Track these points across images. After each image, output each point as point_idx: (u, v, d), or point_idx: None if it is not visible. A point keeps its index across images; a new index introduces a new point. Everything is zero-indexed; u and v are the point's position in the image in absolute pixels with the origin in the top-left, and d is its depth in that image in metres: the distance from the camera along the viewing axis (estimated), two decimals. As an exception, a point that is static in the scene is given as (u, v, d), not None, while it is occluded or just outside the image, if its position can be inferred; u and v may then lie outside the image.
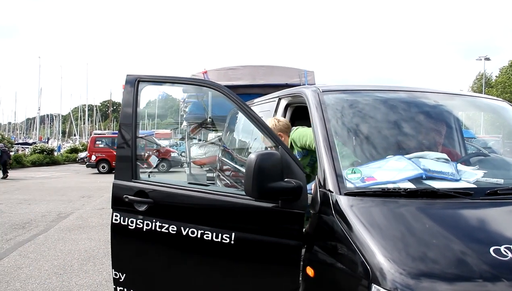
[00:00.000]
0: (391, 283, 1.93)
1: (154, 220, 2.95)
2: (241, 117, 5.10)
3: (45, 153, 39.11)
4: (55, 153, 42.89)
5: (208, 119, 9.89)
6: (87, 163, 28.98)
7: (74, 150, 47.02)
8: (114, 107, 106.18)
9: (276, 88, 5.86)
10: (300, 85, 8.08)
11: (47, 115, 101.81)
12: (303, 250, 2.58)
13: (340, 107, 3.07)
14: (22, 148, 50.13)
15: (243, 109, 2.93)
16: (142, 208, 2.99)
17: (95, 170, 28.03)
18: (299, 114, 3.83)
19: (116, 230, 3.08)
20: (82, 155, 37.82)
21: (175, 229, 2.88)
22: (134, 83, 3.19)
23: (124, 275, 3.12)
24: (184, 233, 2.84)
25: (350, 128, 2.95)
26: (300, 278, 2.58)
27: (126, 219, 3.03)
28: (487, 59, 43.77)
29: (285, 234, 2.63)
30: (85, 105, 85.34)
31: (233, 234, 2.72)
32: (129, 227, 3.01)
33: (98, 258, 6.97)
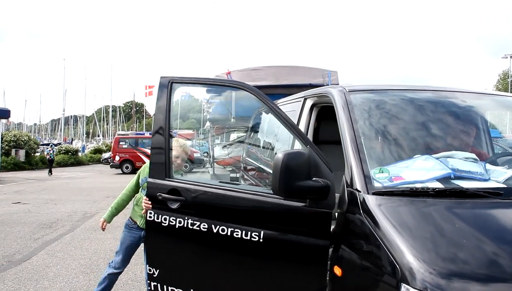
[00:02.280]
0: (420, 283, 1.92)
1: (186, 218, 3.03)
2: (265, 118, 5.13)
3: (69, 153, 39.76)
4: (80, 154, 43.53)
5: (232, 119, 9.93)
6: (111, 164, 29.36)
7: (98, 151, 47.69)
8: (137, 108, 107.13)
9: (299, 89, 5.85)
10: (323, 85, 8.06)
11: (71, 116, 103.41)
12: (331, 250, 2.58)
13: (367, 107, 3.07)
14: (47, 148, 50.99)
15: (274, 110, 2.97)
16: (175, 206, 3.09)
17: (119, 170, 28.38)
18: (324, 114, 3.83)
19: (151, 227, 3.21)
20: (106, 155, 38.28)
21: (206, 226, 2.95)
22: (167, 85, 3.28)
23: (158, 270, 3.22)
24: (215, 231, 2.90)
25: (377, 128, 2.94)
26: (328, 278, 2.59)
27: (160, 216, 3.13)
28: (513, 57, 42.95)
29: (313, 233, 2.65)
30: (108, 106, 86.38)
31: (262, 232, 2.76)
32: (163, 224, 3.11)
33: (124, 257, 7.04)
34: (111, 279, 4.49)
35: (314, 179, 2.57)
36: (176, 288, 3.16)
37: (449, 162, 2.63)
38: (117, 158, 28.43)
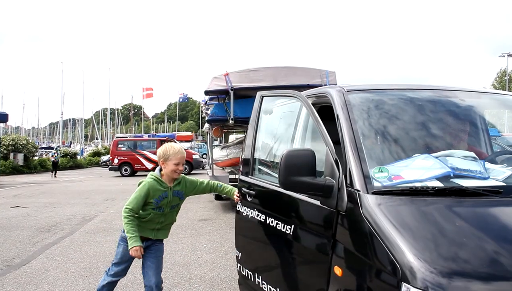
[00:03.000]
0: (421, 282, 1.92)
1: (254, 209, 3.62)
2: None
3: (68, 156, 39.74)
4: (78, 157, 43.51)
5: (230, 121, 9.94)
6: (110, 166, 29.36)
7: (97, 153, 47.68)
8: (135, 110, 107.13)
9: (298, 89, 5.84)
10: (322, 85, 8.07)
11: (70, 119, 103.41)
12: (331, 249, 2.58)
13: (366, 107, 3.06)
14: (46, 152, 50.99)
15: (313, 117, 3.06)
16: (250, 199, 3.71)
17: (118, 173, 28.34)
18: (323, 114, 3.82)
19: (238, 215, 3.95)
20: (105, 158, 38.30)
21: (264, 218, 3.45)
22: (260, 97, 4.00)
23: (240, 254, 3.93)
24: (268, 222, 3.36)
25: (376, 127, 2.94)
26: (328, 278, 2.58)
27: (243, 207, 3.85)
28: (511, 56, 43.05)
29: (319, 231, 2.73)
30: (106, 109, 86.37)
31: (293, 226, 3.05)
32: (243, 213, 3.82)
33: (123, 260, 7.03)
34: (110, 287, 4.33)
35: (320, 178, 2.64)
36: (249, 271, 3.71)
37: (448, 161, 2.62)
38: (115, 161, 28.40)
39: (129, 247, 3.72)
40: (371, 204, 2.35)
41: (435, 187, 2.43)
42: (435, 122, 3.13)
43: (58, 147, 38.81)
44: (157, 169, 4.00)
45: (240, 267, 3.89)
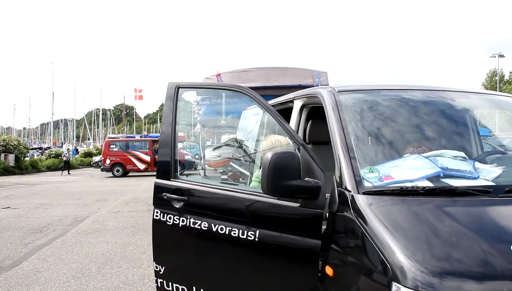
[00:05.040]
0: (411, 282, 1.92)
1: (188, 217, 3.15)
2: (248, 118, 5.21)
3: (60, 157, 39.52)
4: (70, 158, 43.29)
5: (222, 121, 9.93)
6: (102, 167, 29.23)
7: (89, 154, 47.44)
8: (127, 111, 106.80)
9: (289, 90, 5.87)
10: (313, 86, 8.08)
11: (62, 120, 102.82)
12: (322, 250, 2.59)
13: (356, 107, 3.07)
14: (37, 152, 50.73)
15: (270, 112, 3.03)
16: (178, 205, 3.21)
17: (110, 174, 28.25)
18: (314, 115, 3.84)
19: (157, 225, 3.35)
20: (97, 158, 38.11)
21: (206, 225, 3.04)
22: (174, 89, 3.46)
23: (164, 268, 3.35)
24: (214, 229, 2.99)
25: (367, 128, 2.95)
26: (319, 278, 2.59)
27: (165, 215, 3.27)
28: (501, 56, 43.35)
29: (304, 233, 2.65)
30: (98, 109, 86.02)
31: (258, 231, 2.80)
32: (167, 222, 3.26)
33: (116, 261, 7.03)
34: None
35: (306, 179, 2.57)
36: (180, 285, 3.25)
37: (438, 161, 2.64)
38: (107, 161, 28.29)
39: None
40: (362, 204, 2.36)
41: (425, 187, 2.44)
42: (425, 122, 3.15)
43: (69, 147, 41.27)
44: None
45: (162, 282, 3.35)
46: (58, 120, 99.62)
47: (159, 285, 3.37)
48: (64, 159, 34.22)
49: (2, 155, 30.72)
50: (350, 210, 2.40)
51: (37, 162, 36.43)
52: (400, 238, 2.11)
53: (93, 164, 38.81)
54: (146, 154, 28.15)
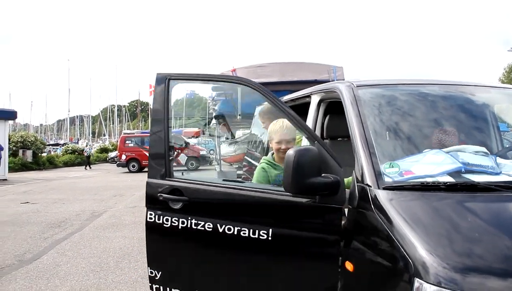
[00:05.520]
0: (434, 277, 1.91)
1: (189, 218, 2.94)
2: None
3: (76, 153, 39.95)
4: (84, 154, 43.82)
5: (238, 116, 9.93)
6: (118, 162, 29.49)
7: (104, 150, 47.85)
8: (142, 107, 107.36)
9: (305, 85, 5.85)
10: (329, 81, 8.04)
11: (77, 116, 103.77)
12: (341, 245, 2.58)
13: (375, 102, 3.05)
14: (54, 148, 51.30)
15: (276, 103, 2.94)
16: (177, 206, 3.00)
17: (126, 169, 28.46)
18: (332, 110, 3.83)
19: (151, 229, 3.10)
20: (112, 154, 38.45)
21: (211, 226, 2.87)
22: (164, 81, 3.20)
23: (160, 273, 3.14)
24: (221, 230, 2.83)
25: (386, 123, 2.93)
26: (339, 274, 2.58)
27: (161, 217, 3.03)
28: (519, 50, 42.65)
29: (323, 229, 2.63)
30: (114, 105, 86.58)
31: (271, 230, 2.71)
32: (164, 225, 3.02)
33: (133, 255, 7.10)
34: None
35: (323, 175, 2.54)
36: (180, 290, 3.10)
37: (459, 156, 2.61)
38: (123, 157, 28.50)
39: None
40: (382, 199, 2.35)
41: (447, 182, 2.42)
42: (445, 117, 3.12)
43: (89, 143, 44.19)
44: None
45: (158, 288, 3.15)
46: (74, 116, 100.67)
47: None
48: (85, 154, 36.31)
49: (20, 151, 31.07)
50: (370, 206, 2.39)
51: (54, 158, 36.83)
52: (422, 233, 2.10)
53: (108, 159, 39.14)
54: (162, 149, 28.25)
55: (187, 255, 3.11)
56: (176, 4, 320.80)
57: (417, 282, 1.96)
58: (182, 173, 3.40)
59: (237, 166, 12.33)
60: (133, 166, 28.31)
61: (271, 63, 9.85)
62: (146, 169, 28.01)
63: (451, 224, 2.19)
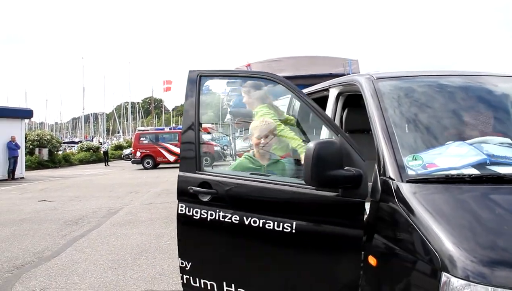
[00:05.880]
0: (462, 271, 1.87)
1: (217, 210, 3.02)
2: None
3: (91, 150, 40.27)
4: (102, 151, 44.19)
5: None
6: (132, 159, 29.65)
7: (119, 147, 48.18)
8: (156, 103, 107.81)
9: (320, 79, 5.81)
10: (344, 74, 7.98)
11: (92, 114, 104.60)
12: (364, 239, 2.55)
13: (396, 94, 3.01)
14: (69, 146, 51.80)
15: (304, 100, 2.97)
16: (206, 199, 3.09)
17: (140, 166, 28.60)
18: (350, 103, 3.79)
19: (182, 220, 3.21)
20: (127, 151, 38.68)
21: (238, 218, 2.93)
22: (196, 78, 3.30)
23: (190, 263, 3.22)
24: (247, 223, 2.89)
25: (407, 115, 2.88)
26: (362, 268, 2.55)
27: (191, 209, 3.13)
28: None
29: (346, 223, 2.61)
30: (127, 103, 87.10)
31: (294, 223, 2.72)
32: (194, 217, 3.12)
33: (150, 252, 7.12)
34: None
35: (346, 168, 2.52)
36: (209, 281, 3.14)
37: (483, 148, 2.56)
38: (138, 154, 28.63)
39: None
40: (406, 192, 2.31)
41: (472, 175, 2.37)
42: (467, 109, 3.06)
43: (105, 142, 46.37)
44: None
45: (188, 278, 3.22)
46: (89, 114, 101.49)
47: (185, 282, 3.26)
48: (103, 150, 37.57)
49: (37, 149, 31.39)
50: (394, 199, 2.35)
51: (70, 156, 37.15)
52: (448, 226, 2.06)
53: (123, 156, 39.40)
54: (176, 145, 28.34)
55: (215, 247, 3.19)
56: (189, 1, 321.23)
57: (444, 276, 1.92)
58: (212, 167, 3.53)
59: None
60: (148, 163, 28.43)
61: (285, 57, 9.83)
62: (160, 166, 28.18)
63: (477, 216, 2.16)
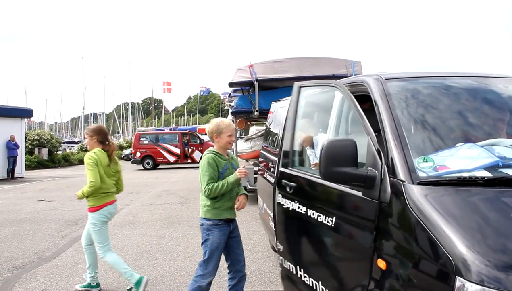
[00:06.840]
0: (476, 276, 1.83)
1: (295, 201, 3.47)
2: (279, 111, 5.48)
3: (91, 151, 40.08)
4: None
5: (255, 112, 9.89)
6: (132, 160, 29.51)
7: (119, 147, 48.06)
8: (155, 104, 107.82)
9: (322, 80, 5.77)
10: (347, 76, 7.95)
11: (91, 114, 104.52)
12: (374, 241, 2.50)
13: (404, 95, 2.97)
14: (69, 146, 51.76)
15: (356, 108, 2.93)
16: (290, 191, 3.58)
17: (140, 166, 28.52)
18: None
19: (278, 208, 3.83)
20: (127, 151, 38.57)
21: (304, 210, 3.31)
22: (298, 89, 3.95)
23: (282, 246, 3.79)
24: (309, 214, 3.23)
25: (416, 117, 2.84)
26: (371, 272, 2.51)
27: (283, 199, 3.69)
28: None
29: (361, 223, 2.65)
30: (127, 103, 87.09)
31: (334, 218, 2.92)
32: (284, 206, 3.67)
33: (151, 253, 7.07)
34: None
35: (361, 168, 2.56)
36: (291, 264, 3.56)
37: (495, 150, 2.52)
38: (138, 154, 28.53)
39: (232, 178, 4.03)
40: (417, 195, 2.27)
41: (484, 177, 2.33)
42: (476, 111, 3.02)
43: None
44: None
45: (282, 260, 3.75)
46: (88, 114, 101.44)
47: (281, 263, 3.79)
48: None
49: (36, 149, 31.31)
50: (404, 201, 2.31)
51: (69, 156, 37.05)
52: (461, 229, 2.02)
53: (123, 156, 39.29)
54: (176, 146, 28.29)
55: (293, 233, 3.65)
56: (190, 0, 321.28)
57: (458, 281, 1.88)
58: (299, 165, 3.90)
59: (253, 162, 12.36)
60: (148, 163, 28.34)
61: (288, 58, 9.79)
62: (160, 166, 28.11)
63: (490, 220, 2.12)
